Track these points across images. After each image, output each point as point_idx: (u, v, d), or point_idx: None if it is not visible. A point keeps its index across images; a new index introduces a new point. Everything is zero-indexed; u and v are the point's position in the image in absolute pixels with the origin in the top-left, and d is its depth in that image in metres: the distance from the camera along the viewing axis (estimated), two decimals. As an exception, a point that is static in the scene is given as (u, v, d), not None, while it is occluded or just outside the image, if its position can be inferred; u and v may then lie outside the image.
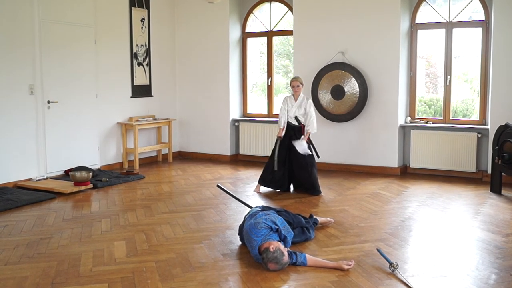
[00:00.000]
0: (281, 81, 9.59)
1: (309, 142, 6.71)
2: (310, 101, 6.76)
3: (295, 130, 6.71)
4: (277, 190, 6.81)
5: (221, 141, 9.41)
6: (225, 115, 9.32)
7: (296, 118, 6.69)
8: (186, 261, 4.21)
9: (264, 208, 4.76)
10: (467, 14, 7.76)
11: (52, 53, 7.44)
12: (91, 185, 6.95)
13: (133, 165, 8.68)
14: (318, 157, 6.83)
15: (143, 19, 8.96)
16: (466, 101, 8.08)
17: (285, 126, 6.75)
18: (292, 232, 4.45)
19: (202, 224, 5.32)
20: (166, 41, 9.55)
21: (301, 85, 6.72)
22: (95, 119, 8.18)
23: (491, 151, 6.82)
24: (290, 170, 6.76)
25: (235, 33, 9.30)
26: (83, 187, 6.83)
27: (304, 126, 6.69)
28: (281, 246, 4.03)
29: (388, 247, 4.53)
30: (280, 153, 6.71)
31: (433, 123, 7.89)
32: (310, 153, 6.64)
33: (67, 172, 7.58)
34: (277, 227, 4.24)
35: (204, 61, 9.48)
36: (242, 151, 9.34)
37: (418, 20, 7.97)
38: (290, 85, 6.76)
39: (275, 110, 9.20)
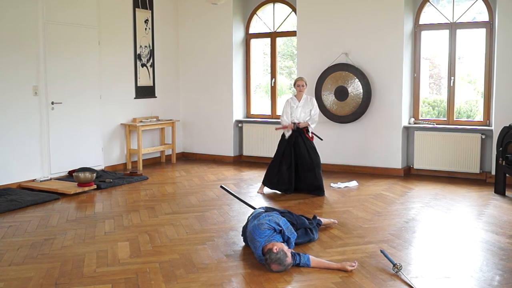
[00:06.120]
0: (284, 82, 9.60)
1: (312, 134, 6.78)
2: (314, 99, 6.82)
3: (300, 131, 6.70)
4: (283, 193, 6.79)
5: (225, 142, 9.42)
6: (229, 116, 9.32)
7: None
8: (189, 262, 4.22)
9: (267, 209, 4.76)
10: (471, 15, 7.74)
11: (56, 54, 7.46)
12: (94, 186, 6.97)
13: (136, 166, 8.69)
14: (322, 139, 7.07)
15: (147, 20, 8.98)
16: (470, 102, 8.06)
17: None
18: (295, 233, 4.45)
19: (205, 225, 5.32)
20: (169, 42, 9.56)
21: (305, 85, 6.74)
22: (99, 120, 8.20)
23: (495, 152, 6.80)
24: (295, 171, 6.75)
25: (238, 34, 9.31)
26: (86, 188, 6.84)
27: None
28: (285, 247, 4.03)
29: (392, 248, 4.52)
30: (286, 155, 6.70)
31: (436, 124, 7.87)
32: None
33: (70, 173, 7.60)
34: (280, 228, 4.24)
35: (208, 62, 9.49)
36: (245, 152, 9.34)
37: (422, 21, 7.96)
38: (295, 84, 6.76)
39: (279, 111, 9.19)
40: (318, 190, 6.63)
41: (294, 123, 6.67)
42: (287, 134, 6.76)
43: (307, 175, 6.66)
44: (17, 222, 5.45)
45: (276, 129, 7.03)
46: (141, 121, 8.71)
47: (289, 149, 6.71)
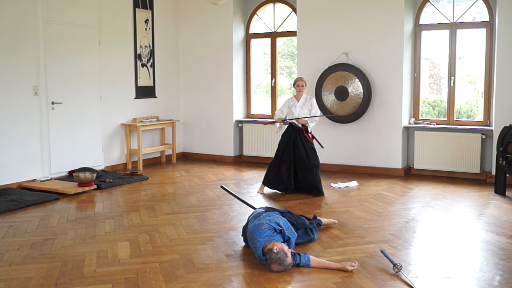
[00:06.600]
0: (284, 82, 9.59)
1: (312, 136, 6.75)
2: (314, 100, 6.81)
3: (299, 132, 6.70)
4: (283, 193, 6.79)
5: (225, 142, 9.42)
6: (229, 116, 9.32)
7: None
8: (189, 262, 4.22)
9: (267, 209, 4.76)
10: (471, 15, 7.74)
11: (57, 54, 7.46)
12: (95, 186, 6.97)
13: (136, 166, 8.69)
14: (323, 147, 7.04)
15: (147, 20, 8.98)
16: (470, 102, 8.06)
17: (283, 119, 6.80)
18: (295, 233, 4.45)
19: (205, 225, 5.32)
20: (170, 42, 9.57)
21: (305, 85, 6.74)
22: (99, 120, 8.20)
23: (495, 152, 6.80)
24: (294, 172, 6.75)
25: (238, 34, 9.31)
26: (87, 188, 6.84)
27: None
28: (285, 247, 4.03)
29: (392, 248, 4.52)
30: (285, 155, 6.70)
31: (437, 124, 7.87)
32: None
33: (71, 173, 7.60)
34: (280, 228, 4.24)
35: (208, 62, 9.49)
36: (245, 152, 9.34)
37: (422, 21, 7.96)
38: (295, 84, 6.76)
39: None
40: (316, 191, 6.63)
41: (283, 120, 6.73)
42: (278, 131, 6.87)
43: (305, 175, 6.66)
44: (17, 222, 5.46)
45: (264, 123, 7.49)
46: (141, 121, 8.71)
47: (288, 149, 6.71)
